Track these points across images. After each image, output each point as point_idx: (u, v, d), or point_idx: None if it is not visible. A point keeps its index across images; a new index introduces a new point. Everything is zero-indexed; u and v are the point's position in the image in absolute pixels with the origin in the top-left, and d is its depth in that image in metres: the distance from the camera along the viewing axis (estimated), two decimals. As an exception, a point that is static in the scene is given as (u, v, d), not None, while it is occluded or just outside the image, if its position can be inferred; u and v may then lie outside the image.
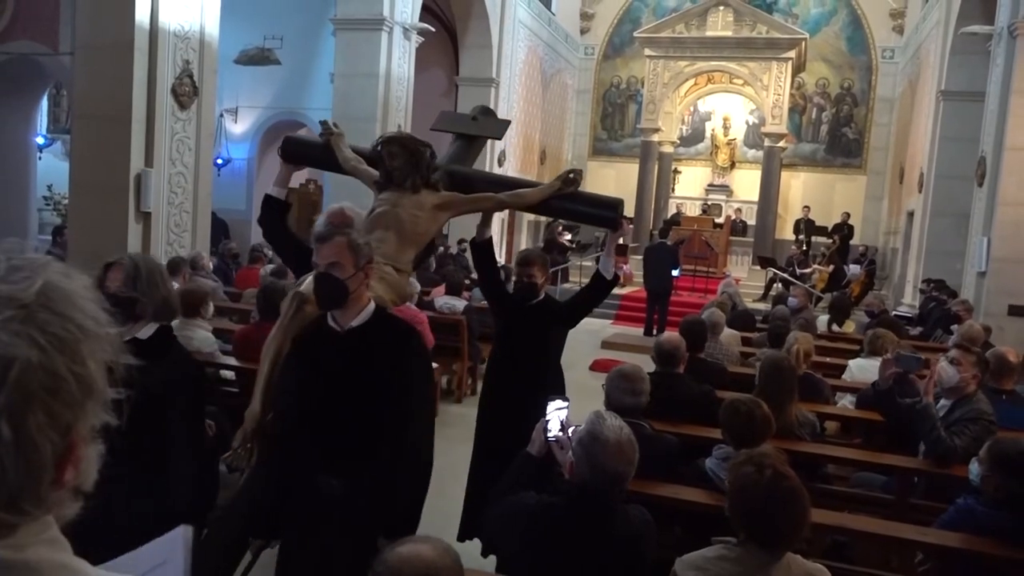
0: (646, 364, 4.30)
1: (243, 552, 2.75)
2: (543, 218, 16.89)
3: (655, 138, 17.12)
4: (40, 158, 13.09)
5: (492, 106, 15.10)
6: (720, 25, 16.45)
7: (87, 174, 7.48)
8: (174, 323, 4.51)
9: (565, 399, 2.65)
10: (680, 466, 3.36)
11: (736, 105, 18.81)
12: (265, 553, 2.90)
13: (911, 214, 13.97)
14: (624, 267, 16.15)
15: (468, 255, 7.25)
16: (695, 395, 4.10)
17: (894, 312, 10.98)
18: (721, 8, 16.41)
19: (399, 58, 11.66)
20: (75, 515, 0.79)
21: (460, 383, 7.58)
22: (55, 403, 0.72)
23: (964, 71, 11.64)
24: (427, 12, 13.94)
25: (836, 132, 18.59)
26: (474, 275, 6.64)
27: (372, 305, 2.66)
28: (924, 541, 2.94)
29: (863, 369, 5.45)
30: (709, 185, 19.08)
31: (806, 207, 17.53)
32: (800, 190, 18.64)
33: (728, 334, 6.29)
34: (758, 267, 15.86)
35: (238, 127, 15.45)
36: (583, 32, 20.04)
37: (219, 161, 14.61)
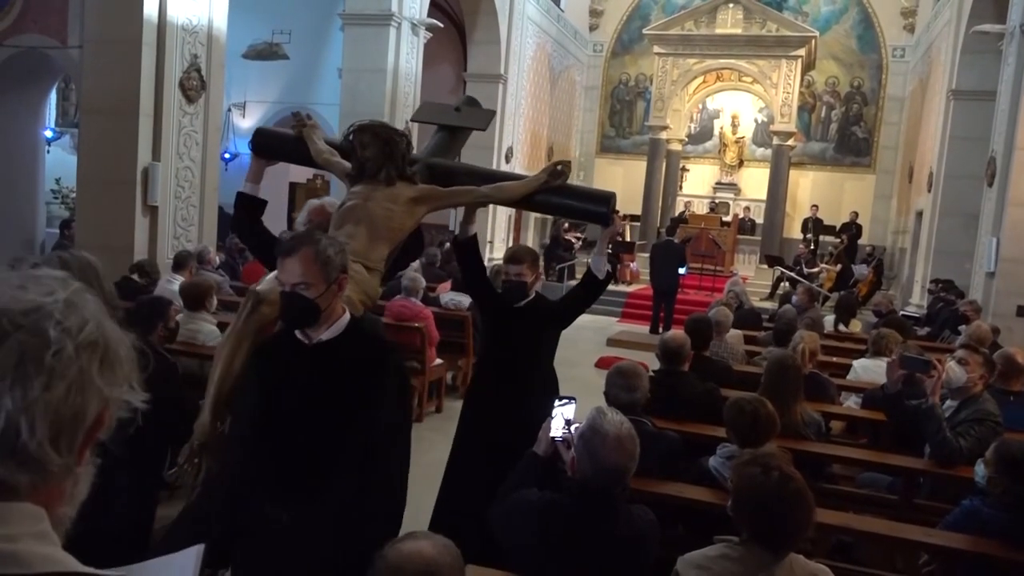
0: (652, 362, 4.29)
1: None
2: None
3: (663, 135, 17.08)
4: (48, 152, 13.12)
5: (500, 102, 15.15)
6: (730, 22, 16.40)
7: (95, 168, 7.51)
8: (179, 316, 4.53)
9: (571, 398, 2.62)
10: (682, 463, 3.35)
11: (745, 103, 18.74)
12: None
13: (920, 214, 13.90)
14: (631, 264, 16.19)
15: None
16: (699, 393, 4.09)
17: (902, 312, 10.93)
18: (731, 5, 16.35)
19: (407, 53, 11.66)
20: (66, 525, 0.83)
21: (465, 379, 7.58)
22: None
23: (975, 70, 11.56)
24: (435, 7, 13.94)
25: (845, 131, 18.50)
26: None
27: (346, 316, 2.37)
28: (929, 542, 2.92)
29: (867, 369, 5.42)
30: (717, 183, 19.02)
31: (814, 206, 17.46)
32: (808, 189, 18.57)
33: (734, 333, 6.27)
34: (765, 266, 15.81)
35: (246, 122, 15.48)
36: (592, 29, 19.99)
37: (226, 156, 14.65)
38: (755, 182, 18.33)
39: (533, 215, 17.94)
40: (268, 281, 2.76)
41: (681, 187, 18.58)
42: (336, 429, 2.23)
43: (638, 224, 17.54)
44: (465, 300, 7.81)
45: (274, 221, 5.97)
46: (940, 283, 10.74)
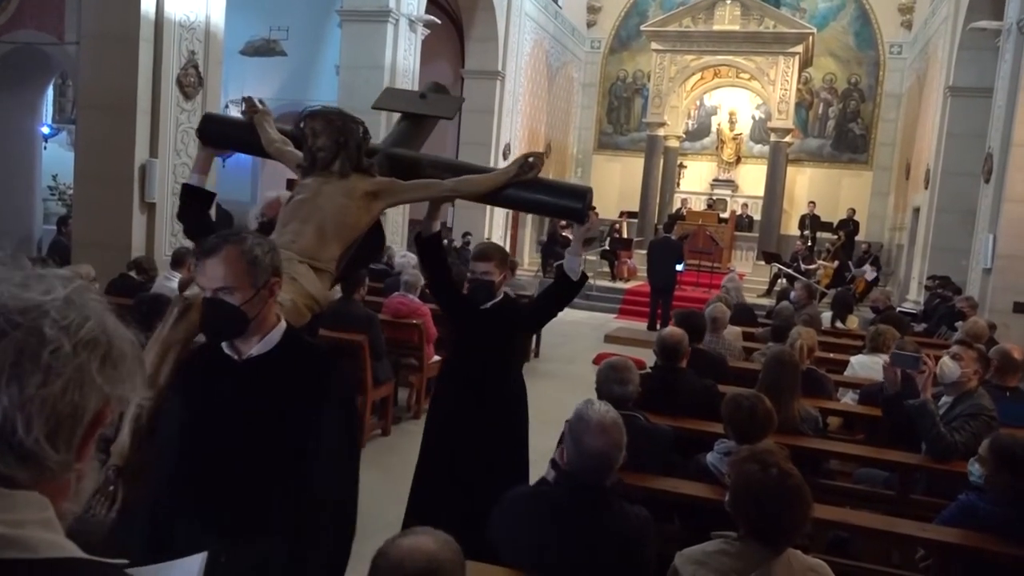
0: (649, 358, 4.30)
1: None
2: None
3: (661, 132, 17.08)
4: (45, 148, 13.08)
5: (497, 99, 15.16)
6: (727, 19, 16.39)
7: (92, 164, 7.50)
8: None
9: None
10: (676, 457, 3.37)
11: (742, 100, 18.74)
12: None
13: (917, 210, 13.92)
14: (629, 261, 16.20)
15: (471, 248, 7.08)
16: (697, 389, 4.10)
17: (899, 308, 10.95)
18: (728, 2, 16.34)
19: (405, 50, 11.65)
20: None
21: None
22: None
23: (972, 67, 11.56)
24: (433, 4, 13.91)
25: (843, 127, 18.51)
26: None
27: (281, 326, 2.04)
28: (925, 537, 2.94)
29: (865, 366, 5.44)
30: (714, 180, 19.02)
31: (812, 203, 17.47)
32: (806, 185, 18.58)
33: (731, 330, 6.29)
34: (763, 262, 15.83)
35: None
36: (589, 25, 19.98)
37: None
38: (752, 179, 18.34)
39: (531, 212, 17.91)
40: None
41: (679, 184, 18.58)
42: (271, 457, 1.94)
43: (636, 221, 17.56)
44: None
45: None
46: (937, 279, 10.76)
